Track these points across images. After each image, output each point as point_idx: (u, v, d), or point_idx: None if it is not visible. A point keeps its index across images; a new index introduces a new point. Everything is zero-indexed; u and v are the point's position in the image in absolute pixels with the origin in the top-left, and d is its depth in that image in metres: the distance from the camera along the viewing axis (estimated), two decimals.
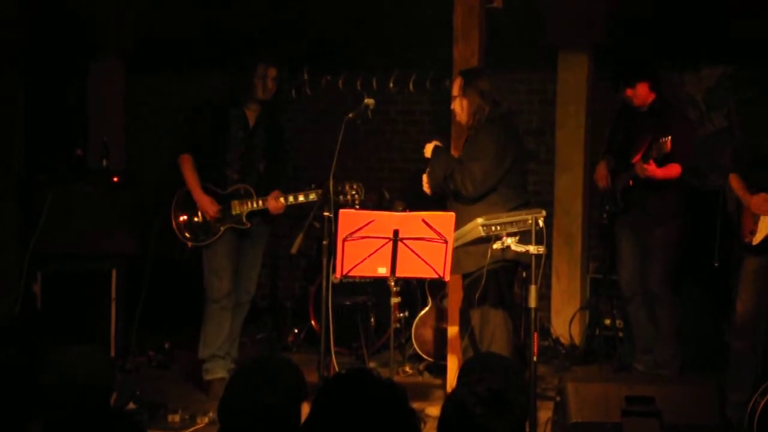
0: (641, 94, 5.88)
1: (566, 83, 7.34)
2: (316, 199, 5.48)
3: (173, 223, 5.79)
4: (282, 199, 5.69)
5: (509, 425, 2.52)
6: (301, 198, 5.64)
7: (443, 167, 5.27)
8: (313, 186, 5.62)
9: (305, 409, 2.64)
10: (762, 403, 4.70)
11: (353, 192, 5.38)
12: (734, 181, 5.41)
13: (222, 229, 5.73)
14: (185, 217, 5.79)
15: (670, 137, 5.45)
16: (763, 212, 5.17)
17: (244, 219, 5.74)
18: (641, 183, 5.79)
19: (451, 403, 2.54)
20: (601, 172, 6.14)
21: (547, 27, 7.33)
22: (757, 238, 5.20)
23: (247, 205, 5.73)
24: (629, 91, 5.90)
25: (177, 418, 5.23)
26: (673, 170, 5.72)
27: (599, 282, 7.07)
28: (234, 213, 5.73)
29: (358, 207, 5.35)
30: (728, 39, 6.81)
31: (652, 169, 5.64)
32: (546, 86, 7.61)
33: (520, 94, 7.74)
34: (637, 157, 5.77)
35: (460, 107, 5.38)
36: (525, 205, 5.16)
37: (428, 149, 5.39)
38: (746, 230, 5.27)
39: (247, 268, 5.92)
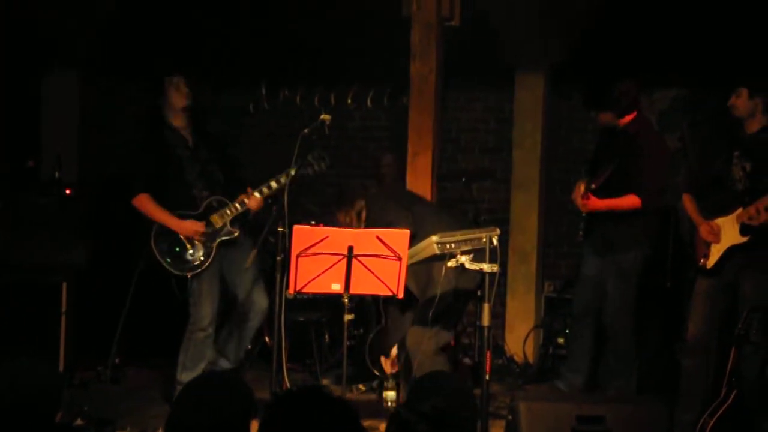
0: (604, 121, 5.91)
1: (523, 102, 7.41)
2: (288, 180, 5.29)
3: (162, 262, 5.52)
4: (257, 194, 5.53)
5: None
6: (273, 184, 5.46)
7: None
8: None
9: (254, 427, 2.62)
10: (710, 424, 4.75)
11: (321, 161, 5.38)
12: (687, 203, 5.48)
13: (214, 246, 5.53)
14: (171, 252, 5.54)
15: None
16: (711, 241, 5.24)
17: (230, 227, 5.57)
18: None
19: (394, 422, 2.54)
20: (576, 192, 6.10)
21: (505, 46, 7.40)
22: (710, 262, 5.26)
23: (226, 213, 5.56)
24: (602, 116, 5.94)
25: None
26: (627, 201, 5.69)
27: (554, 300, 7.13)
28: (218, 227, 5.55)
29: (313, 223, 5.31)
30: (681, 62, 6.92)
31: (591, 204, 5.68)
32: (503, 105, 7.68)
33: (477, 112, 7.81)
34: (599, 181, 5.79)
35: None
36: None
37: None
38: (700, 253, 5.33)
39: (245, 279, 5.69)
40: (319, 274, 4.71)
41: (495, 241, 4.72)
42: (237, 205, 5.57)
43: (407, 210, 5.30)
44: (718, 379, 5.15)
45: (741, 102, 5.17)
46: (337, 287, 4.74)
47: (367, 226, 5.29)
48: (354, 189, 5.81)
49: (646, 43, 7.01)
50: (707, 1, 6.75)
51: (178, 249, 5.53)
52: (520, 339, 7.23)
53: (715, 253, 5.24)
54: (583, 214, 5.97)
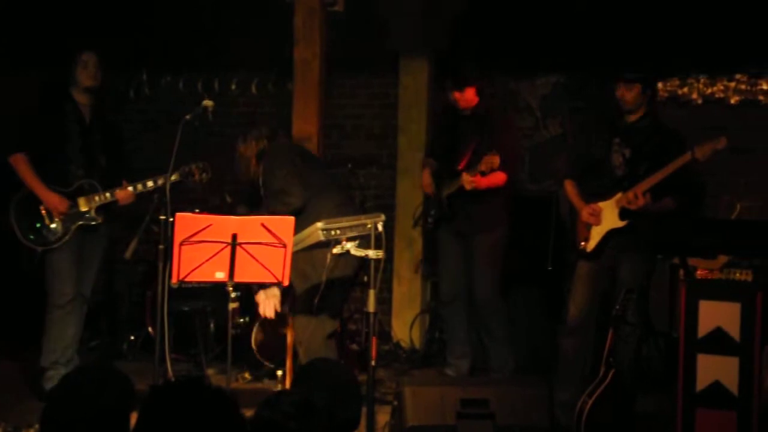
0: (468, 97, 6.03)
1: (408, 88, 7.44)
2: (164, 183, 5.32)
3: (16, 230, 5.56)
4: (131, 188, 5.62)
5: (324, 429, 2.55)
6: (150, 184, 5.61)
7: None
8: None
9: (134, 419, 2.58)
10: (589, 404, 4.88)
11: (202, 173, 5.48)
12: (569, 188, 5.61)
13: (72, 228, 5.57)
14: (28, 222, 5.59)
15: (498, 155, 5.63)
16: (592, 223, 5.39)
17: (93, 214, 5.61)
18: (466, 191, 5.94)
19: (258, 425, 2.53)
20: (426, 178, 6.26)
21: (389, 32, 7.41)
22: (591, 246, 5.40)
23: (94, 199, 5.60)
24: (456, 94, 6.04)
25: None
26: (498, 178, 5.89)
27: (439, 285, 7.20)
28: (82, 210, 5.60)
29: (197, 211, 5.26)
30: (563, 48, 7.05)
31: (478, 181, 5.80)
32: (388, 91, 7.69)
33: (362, 98, 7.80)
34: (462, 164, 5.93)
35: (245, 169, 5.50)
36: (350, 202, 5.26)
37: None
38: (580, 236, 5.47)
39: (84, 270, 5.76)
40: (203, 263, 4.63)
41: (380, 228, 4.72)
42: (107, 194, 5.65)
43: (301, 178, 5.25)
44: (596, 360, 5.30)
45: (632, 95, 5.30)
46: (221, 276, 4.68)
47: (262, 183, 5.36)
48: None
49: (528, 28, 7.12)
50: None
51: (37, 223, 5.59)
52: (406, 324, 7.29)
53: (595, 236, 5.38)
54: (439, 200, 6.10)
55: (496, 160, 5.61)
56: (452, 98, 6.07)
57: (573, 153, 5.85)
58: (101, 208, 5.68)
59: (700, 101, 6.98)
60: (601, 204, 5.38)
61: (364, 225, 4.77)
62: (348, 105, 7.85)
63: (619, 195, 5.30)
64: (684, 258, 5.31)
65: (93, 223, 5.65)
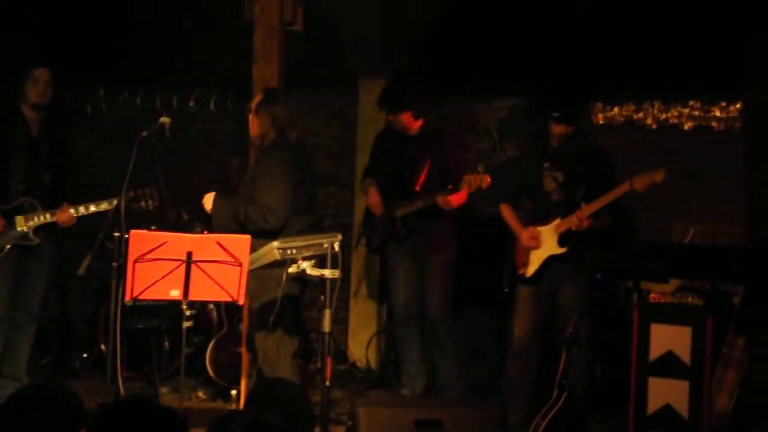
0: (404, 121, 6.06)
1: (367, 107, 7.43)
2: (109, 209, 5.34)
3: None
4: (72, 211, 5.54)
5: None
6: (92, 208, 5.52)
7: (229, 213, 5.18)
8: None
9: None
10: (542, 426, 4.90)
11: (147, 198, 5.40)
12: (506, 212, 5.66)
13: (7, 246, 5.49)
14: None
15: (487, 174, 5.63)
16: (532, 247, 5.43)
17: (31, 235, 5.53)
18: (423, 210, 5.96)
19: None
20: (375, 198, 6.25)
21: (349, 51, 7.44)
22: (530, 270, 5.46)
23: (33, 219, 5.52)
24: (391, 117, 6.08)
25: None
26: (462, 197, 5.91)
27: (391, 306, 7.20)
28: (19, 229, 5.52)
29: (153, 228, 5.22)
30: (521, 72, 7.11)
31: (456, 200, 5.78)
32: (347, 110, 7.72)
33: (321, 117, 7.81)
34: (419, 184, 5.96)
35: (252, 123, 5.37)
36: (312, 228, 5.22)
37: (208, 202, 5.27)
38: (519, 261, 5.53)
39: (29, 289, 5.69)
40: (157, 281, 4.61)
41: (336, 247, 4.73)
42: (47, 215, 5.58)
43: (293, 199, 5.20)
44: (546, 381, 5.34)
45: (561, 130, 5.41)
46: (176, 294, 4.66)
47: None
48: None
49: (486, 51, 7.17)
50: (545, 12, 6.97)
51: None
52: (363, 344, 7.28)
53: (535, 261, 5.44)
54: (390, 220, 6.11)
55: (486, 179, 5.55)
56: (389, 120, 6.11)
57: (508, 177, 5.85)
58: (40, 229, 5.59)
59: (654, 126, 7.09)
60: (540, 228, 5.44)
61: (321, 244, 4.77)
62: (308, 123, 7.81)
63: (557, 221, 5.37)
64: (637, 282, 5.37)
65: (28, 244, 5.56)
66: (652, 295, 5.25)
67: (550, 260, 5.39)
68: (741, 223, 6.63)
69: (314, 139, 7.83)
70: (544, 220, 5.43)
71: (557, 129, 5.44)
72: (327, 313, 4.68)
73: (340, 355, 7.18)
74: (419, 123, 6.08)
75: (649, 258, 5.40)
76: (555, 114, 5.41)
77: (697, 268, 5.29)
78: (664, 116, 7.05)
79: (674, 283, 5.31)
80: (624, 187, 5.16)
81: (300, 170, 5.26)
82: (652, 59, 6.84)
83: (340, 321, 7.37)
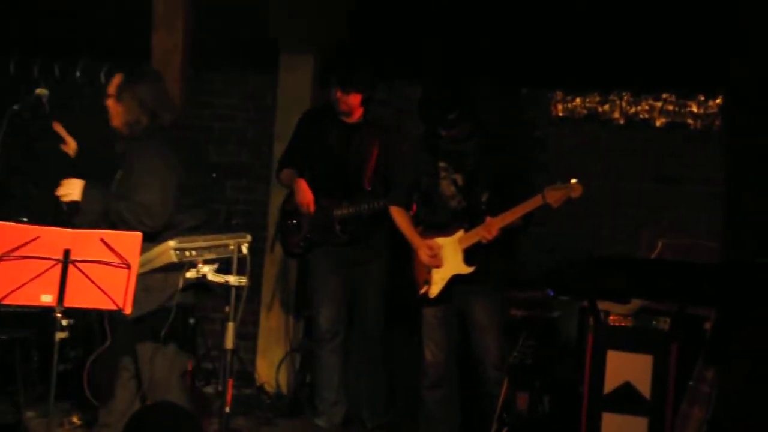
0: (352, 103, 6.08)
1: (288, 88, 7.43)
2: None
3: None
4: None
5: None
6: None
7: (101, 208, 5.12)
8: None
9: None
10: None
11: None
12: (398, 218, 5.58)
13: None
14: None
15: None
16: (432, 266, 5.42)
17: None
18: (368, 213, 5.98)
19: None
20: (307, 193, 6.19)
21: (269, 22, 7.39)
22: (434, 291, 5.43)
23: None
24: (339, 93, 6.08)
25: None
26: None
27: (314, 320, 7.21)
28: None
29: (24, 220, 5.16)
30: (453, 54, 7.16)
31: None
32: (265, 91, 7.72)
33: (233, 98, 7.81)
34: (368, 178, 5.96)
35: (114, 110, 5.29)
36: (207, 225, 5.19)
37: (76, 190, 5.19)
38: (419, 278, 5.49)
39: None
40: (26, 283, 4.55)
41: (245, 249, 4.73)
42: None
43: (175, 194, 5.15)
44: (471, 413, 5.38)
45: (454, 132, 5.37)
46: (48, 299, 4.60)
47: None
48: None
49: (428, 31, 7.20)
50: None
51: None
52: (273, 365, 7.26)
53: (438, 281, 5.41)
54: (325, 221, 6.11)
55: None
56: (333, 97, 6.11)
57: (400, 174, 5.83)
58: None
59: (622, 121, 7.19)
60: (441, 240, 5.41)
61: (226, 246, 4.76)
62: (217, 104, 7.83)
63: (460, 233, 5.34)
64: (593, 301, 5.43)
65: None
66: (610, 318, 5.31)
67: (456, 279, 5.39)
68: (719, 237, 6.73)
69: (224, 122, 7.86)
70: (445, 231, 5.39)
71: (447, 133, 5.37)
72: (230, 326, 4.67)
73: (246, 376, 7.15)
74: (361, 111, 6.10)
75: (609, 273, 5.46)
76: (448, 120, 5.30)
77: (663, 287, 5.34)
78: (633, 110, 7.15)
79: (636, 303, 5.37)
80: (536, 201, 5.15)
81: (184, 160, 5.19)
82: (621, 43, 6.89)
83: (248, 337, 7.36)
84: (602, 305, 5.54)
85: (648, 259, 6.25)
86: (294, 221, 6.35)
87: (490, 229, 5.20)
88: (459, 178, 5.38)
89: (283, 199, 6.60)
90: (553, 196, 5.13)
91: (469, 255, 5.32)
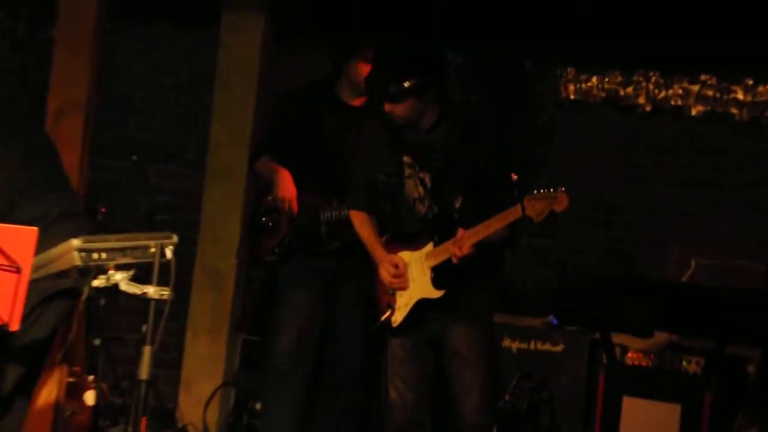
0: (360, 74, 5.97)
1: (231, 52, 7.38)
2: None
3: None
4: None
5: None
6: None
7: None
8: None
9: None
10: None
11: None
12: (359, 225, 5.46)
13: None
14: None
15: None
16: (395, 288, 5.34)
17: None
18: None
19: None
20: (292, 188, 6.11)
21: None
22: (398, 319, 5.34)
23: None
24: (361, 65, 5.96)
25: None
26: None
27: (255, 346, 7.17)
28: None
29: None
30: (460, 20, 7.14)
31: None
32: (202, 53, 7.70)
33: (163, 61, 7.84)
34: None
35: None
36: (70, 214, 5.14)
37: None
38: (382, 301, 5.41)
39: None
40: None
41: (169, 253, 4.65)
42: None
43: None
44: None
45: (403, 109, 5.26)
46: None
47: None
48: None
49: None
50: None
51: None
52: (200, 401, 7.22)
53: (402, 306, 5.32)
54: (311, 224, 6.07)
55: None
56: (356, 73, 6.00)
57: (357, 171, 5.75)
58: None
59: (648, 108, 7.17)
60: (406, 255, 5.34)
61: (146, 248, 4.69)
62: (141, 70, 7.80)
63: (429, 247, 5.26)
64: (606, 334, 5.40)
65: None
66: (629, 355, 5.30)
67: (423, 303, 5.33)
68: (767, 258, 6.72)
69: (148, 91, 7.81)
70: (413, 243, 5.33)
71: (398, 109, 5.29)
72: (147, 351, 4.59)
73: (165, 415, 7.13)
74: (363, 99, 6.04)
75: (627, 299, 5.43)
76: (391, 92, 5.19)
77: (697, 318, 5.34)
78: (662, 94, 7.14)
79: (661, 337, 5.35)
80: (514, 212, 4.99)
81: (21, 133, 5.16)
82: (650, 11, 6.82)
83: (169, 364, 7.34)
84: (618, 338, 5.53)
85: (677, 282, 6.25)
86: (270, 221, 6.26)
87: (461, 245, 5.09)
88: (427, 178, 5.31)
89: (259, 193, 6.50)
90: (534, 208, 4.97)
91: (439, 275, 5.24)
